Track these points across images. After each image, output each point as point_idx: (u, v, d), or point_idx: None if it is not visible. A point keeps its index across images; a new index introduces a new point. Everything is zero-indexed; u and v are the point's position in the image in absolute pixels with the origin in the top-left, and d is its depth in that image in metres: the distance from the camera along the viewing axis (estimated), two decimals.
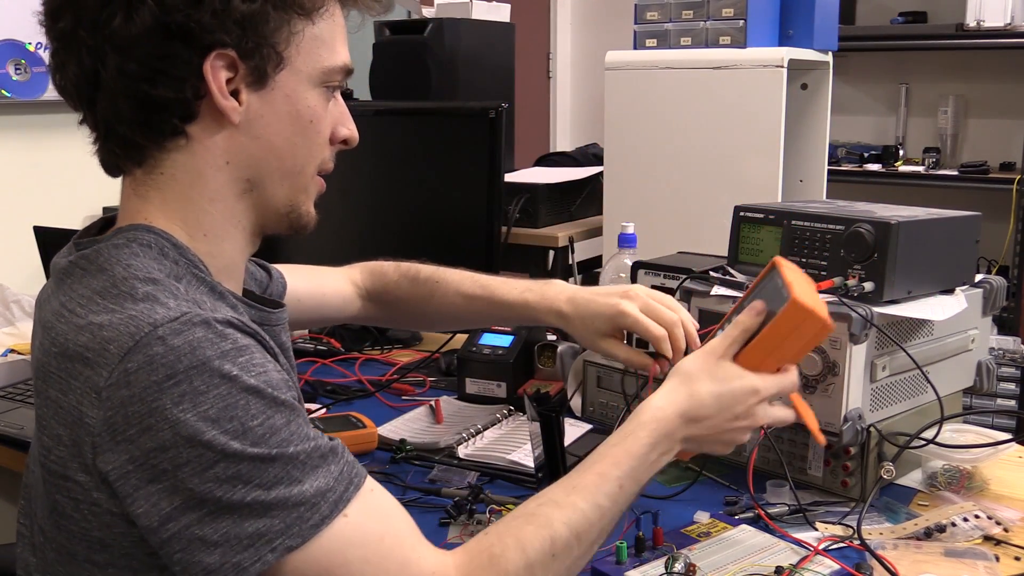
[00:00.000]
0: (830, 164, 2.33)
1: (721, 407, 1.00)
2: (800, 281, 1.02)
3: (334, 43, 0.94)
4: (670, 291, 1.43)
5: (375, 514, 0.85)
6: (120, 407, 0.77)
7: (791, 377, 1.04)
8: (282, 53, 0.90)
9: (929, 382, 1.29)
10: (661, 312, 1.20)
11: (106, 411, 0.78)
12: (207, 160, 0.91)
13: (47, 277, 1.96)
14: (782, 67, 1.91)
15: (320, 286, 1.38)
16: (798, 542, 1.14)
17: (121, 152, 0.92)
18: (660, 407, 1.00)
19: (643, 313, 1.20)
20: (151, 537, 0.79)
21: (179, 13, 0.84)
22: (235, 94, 0.89)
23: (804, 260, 1.32)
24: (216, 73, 0.87)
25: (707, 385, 1.00)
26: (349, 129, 0.99)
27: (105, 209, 2.39)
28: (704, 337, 1.18)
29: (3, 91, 2.21)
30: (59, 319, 0.85)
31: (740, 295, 1.31)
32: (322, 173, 0.98)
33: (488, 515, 1.23)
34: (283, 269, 1.29)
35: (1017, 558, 1.13)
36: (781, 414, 1.05)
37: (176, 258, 0.89)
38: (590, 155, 2.99)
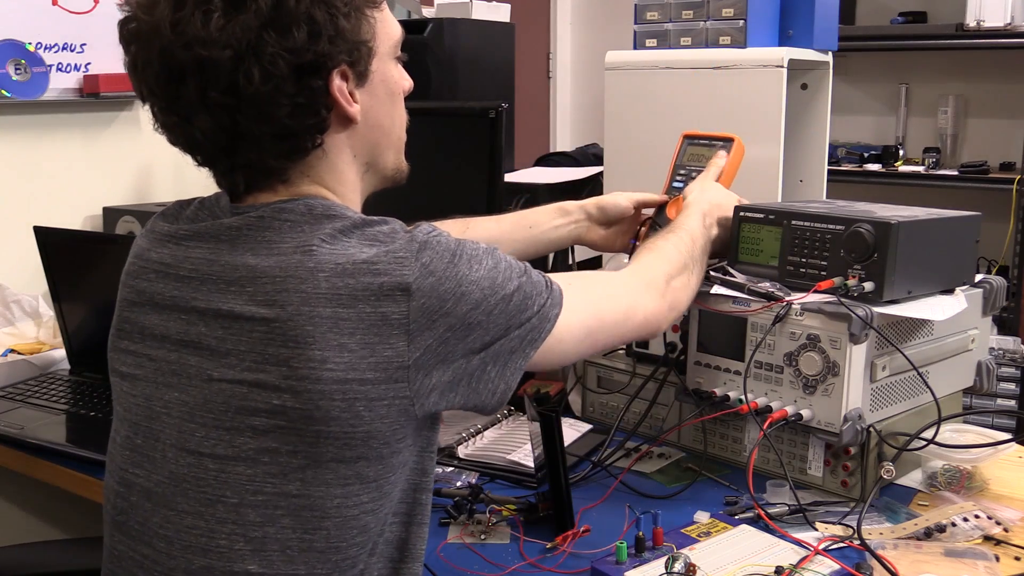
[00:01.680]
0: (830, 164, 2.33)
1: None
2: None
3: (391, 17, 1.05)
4: None
5: (567, 274, 1.14)
6: (431, 291, 0.92)
7: None
8: (372, 46, 1.00)
9: (926, 383, 1.29)
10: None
11: (419, 300, 0.92)
12: (340, 158, 1.02)
13: (47, 277, 1.96)
14: (782, 67, 1.90)
15: None
16: (798, 542, 1.14)
17: (264, 178, 1.00)
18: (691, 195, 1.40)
19: None
20: (457, 387, 0.96)
21: (307, 52, 0.93)
22: (351, 96, 0.99)
23: (804, 260, 1.32)
24: (340, 88, 0.97)
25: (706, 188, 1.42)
26: (408, 80, 1.10)
27: (105, 209, 2.39)
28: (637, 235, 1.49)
29: (3, 91, 2.21)
30: (306, 253, 0.92)
31: (740, 294, 1.32)
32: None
33: (488, 515, 1.23)
34: None
35: (1017, 558, 1.13)
36: None
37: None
38: (590, 155, 2.98)
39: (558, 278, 1.08)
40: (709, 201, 1.39)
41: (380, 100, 1.04)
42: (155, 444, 0.99)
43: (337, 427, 0.91)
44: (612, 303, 1.15)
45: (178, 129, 0.98)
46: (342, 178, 1.03)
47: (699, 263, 1.30)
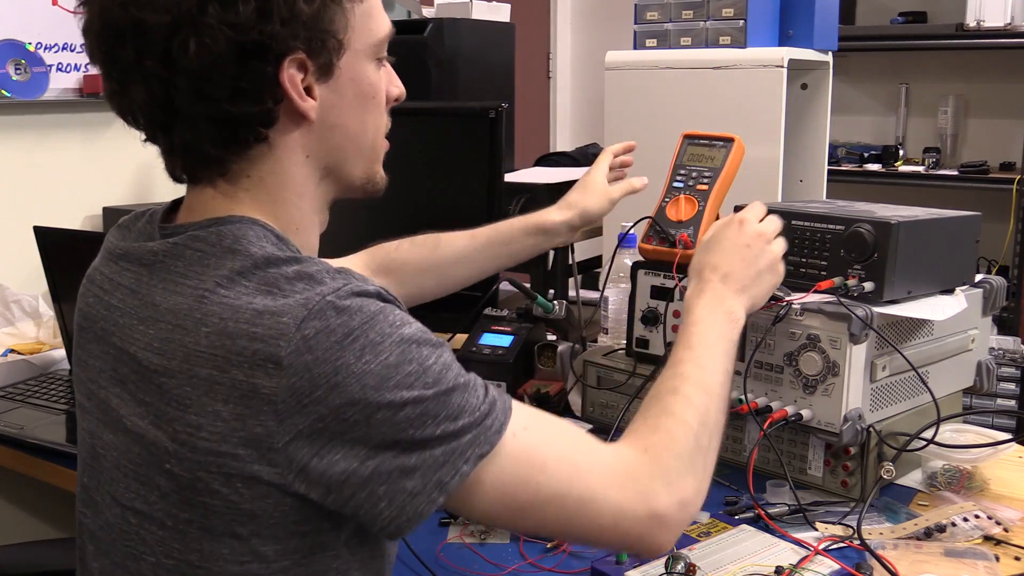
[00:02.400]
0: (830, 164, 2.33)
1: (729, 248, 1.15)
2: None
3: (378, 13, 0.96)
4: (669, 291, 1.43)
5: (542, 416, 0.91)
6: (305, 371, 0.79)
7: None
8: (342, 39, 0.90)
9: (925, 384, 1.29)
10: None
11: (290, 379, 0.79)
12: (290, 159, 0.92)
13: (47, 277, 1.96)
14: (782, 67, 1.91)
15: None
16: (798, 542, 1.14)
17: (202, 167, 0.92)
18: (688, 293, 1.13)
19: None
20: (342, 489, 0.81)
21: (252, 31, 0.84)
22: (308, 91, 0.90)
23: (804, 260, 1.32)
24: (293, 78, 0.88)
25: (704, 253, 1.16)
26: (398, 87, 1.00)
27: (105, 209, 2.39)
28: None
29: (3, 91, 2.21)
30: (199, 300, 0.84)
31: None
32: (385, 135, 1.01)
33: None
34: None
35: (1017, 558, 1.13)
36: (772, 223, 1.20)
37: (280, 246, 0.90)
38: (590, 155, 2.98)
39: (519, 417, 0.87)
40: (708, 276, 1.13)
41: (347, 101, 0.93)
42: (97, 486, 0.93)
43: (220, 501, 0.83)
44: (580, 485, 0.87)
45: (116, 98, 0.90)
46: (288, 181, 0.93)
47: (722, 407, 1.00)
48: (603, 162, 1.54)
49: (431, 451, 0.81)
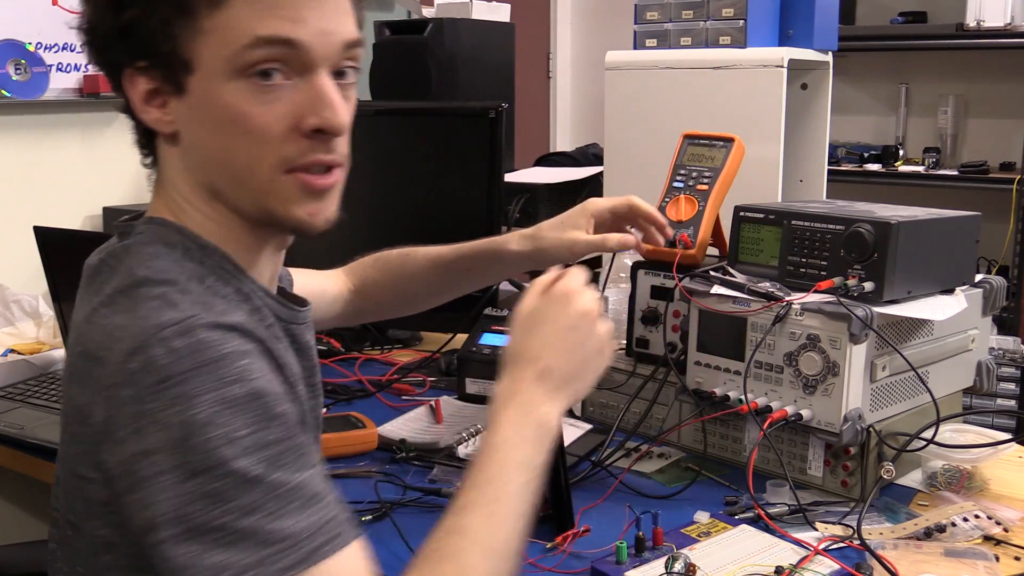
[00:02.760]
0: (830, 164, 2.33)
1: (551, 333, 0.97)
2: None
3: (251, 21, 0.81)
4: (670, 291, 1.43)
5: None
6: (119, 407, 0.76)
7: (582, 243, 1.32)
8: (186, 56, 0.82)
9: (924, 384, 1.29)
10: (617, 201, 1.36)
11: (107, 410, 0.77)
12: (172, 165, 0.91)
13: (47, 277, 1.96)
14: (782, 67, 1.91)
15: (321, 286, 1.38)
16: (798, 542, 1.14)
17: (145, 140, 0.93)
18: (497, 390, 0.96)
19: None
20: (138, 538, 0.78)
21: (90, 34, 0.87)
22: (164, 104, 0.86)
23: (804, 260, 1.32)
24: (134, 87, 0.86)
25: (523, 336, 0.98)
26: (319, 116, 0.84)
27: (105, 209, 2.39)
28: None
29: (3, 91, 2.21)
30: (85, 319, 0.85)
31: (740, 294, 1.32)
32: (299, 169, 0.86)
33: None
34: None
35: (1017, 558, 1.13)
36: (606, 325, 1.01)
37: (201, 258, 0.87)
38: (590, 155, 2.98)
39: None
40: (539, 365, 0.95)
41: (202, 122, 0.85)
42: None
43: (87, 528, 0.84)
44: None
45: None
46: (178, 190, 0.90)
47: (512, 562, 0.87)
48: (605, 204, 1.36)
49: (203, 554, 0.72)
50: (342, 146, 0.89)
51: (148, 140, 0.92)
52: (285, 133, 0.84)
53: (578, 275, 1.02)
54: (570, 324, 0.98)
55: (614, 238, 1.34)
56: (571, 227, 1.34)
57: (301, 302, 1.01)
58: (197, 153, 0.88)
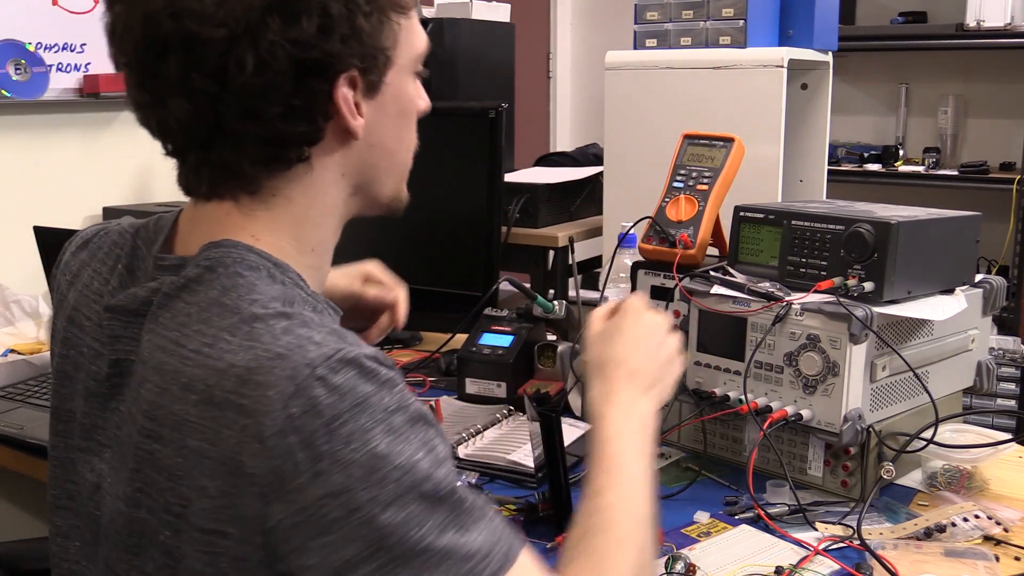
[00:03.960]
0: (830, 164, 2.33)
1: (629, 339, 1.07)
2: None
3: (419, 26, 0.92)
4: (669, 291, 1.43)
5: None
6: (288, 455, 0.73)
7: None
8: (391, 55, 0.88)
9: (923, 384, 1.29)
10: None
11: (273, 460, 0.73)
12: (325, 178, 0.88)
13: (47, 277, 1.96)
14: (782, 67, 1.91)
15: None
16: (798, 542, 1.14)
17: (231, 183, 0.86)
18: (593, 395, 1.04)
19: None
20: None
21: (314, 48, 0.80)
22: (357, 108, 0.86)
23: (804, 260, 1.32)
24: (346, 97, 0.84)
25: (602, 346, 1.07)
26: (425, 100, 0.97)
27: (105, 209, 2.39)
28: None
29: (3, 91, 2.21)
30: (183, 361, 0.79)
31: (740, 294, 1.32)
32: None
33: None
34: None
35: (1017, 558, 1.13)
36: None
37: (282, 279, 0.85)
38: (590, 155, 2.98)
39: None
40: (627, 367, 1.04)
41: (389, 118, 0.90)
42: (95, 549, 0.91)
43: None
44: None
45: (150, 110, 0.84)
46: (319, 201, 0.89)
47: (651, 533, 0.92)
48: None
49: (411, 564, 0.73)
50: None
51: (281, 172, 0.86)
52: None
53: (642, 297, 1.13)
54: (645, 332, 1.08)
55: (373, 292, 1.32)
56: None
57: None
58: (373, 150, 0.91)
